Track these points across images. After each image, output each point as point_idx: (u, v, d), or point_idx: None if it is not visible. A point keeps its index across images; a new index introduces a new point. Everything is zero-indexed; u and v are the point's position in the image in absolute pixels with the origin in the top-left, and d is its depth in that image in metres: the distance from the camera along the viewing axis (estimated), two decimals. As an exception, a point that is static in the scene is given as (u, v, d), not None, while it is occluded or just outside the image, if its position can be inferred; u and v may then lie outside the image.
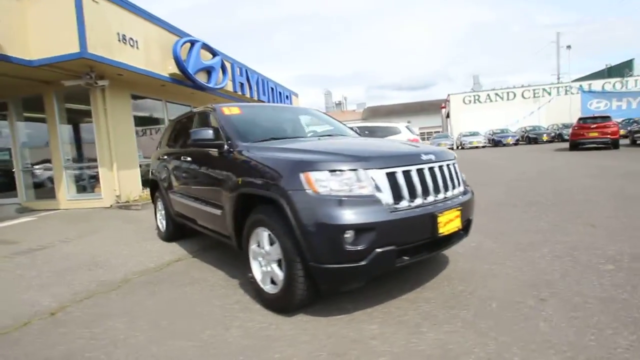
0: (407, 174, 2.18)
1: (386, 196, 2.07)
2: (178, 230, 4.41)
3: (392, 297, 2.42)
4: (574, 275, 2.57)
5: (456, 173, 2.58)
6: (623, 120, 20.33)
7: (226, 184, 2.73)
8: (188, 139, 3.63)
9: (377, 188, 2.06)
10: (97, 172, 7.48)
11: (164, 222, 4.50)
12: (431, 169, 2.32)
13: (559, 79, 34.85)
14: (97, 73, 6.78)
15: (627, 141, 15.97)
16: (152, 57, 7.65)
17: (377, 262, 1.99)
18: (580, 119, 15.43)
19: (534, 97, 31.39)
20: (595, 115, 15.89)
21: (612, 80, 29.11)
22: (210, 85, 9.51)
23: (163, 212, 4.54)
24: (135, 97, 8.33)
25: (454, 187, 2.48)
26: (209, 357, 1.91)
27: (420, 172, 2.25)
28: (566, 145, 16.74)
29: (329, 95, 65.11)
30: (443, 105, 38.60)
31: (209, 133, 2.91)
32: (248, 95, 12.32)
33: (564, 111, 28.92)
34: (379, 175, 2.09)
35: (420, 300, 2.35)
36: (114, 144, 7.40)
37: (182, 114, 4.47)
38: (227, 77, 10.46)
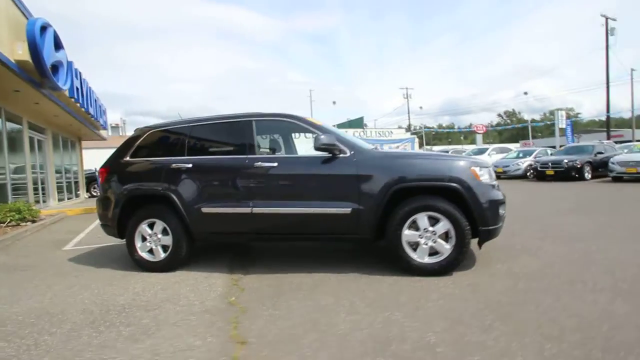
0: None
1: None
2: (190, 253, 3.76)
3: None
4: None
5: None
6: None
7: (366, 183, 3.18)
8: (246, 146, 3.55)
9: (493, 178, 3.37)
10: None
11: (169, 248, 3.66)
12: None
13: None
14: None
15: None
16: None
17: (503, 222, 3.26)
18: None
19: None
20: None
21: (358, 130, 41.19)
22: (60, 84, 7.24)
23: (160, 235, 3.69)
24: None
25: None
26: (480, 304, 2.54)
27: None
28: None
29: (100, 115, 54.68)
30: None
31: (334, 139, 3.24)
32: (79, 103, 9.77)
33: (332, 149, 38.07)
34: (491, 171, 3.39)
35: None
36: None
37: (190, 119, 3.93)
38: (70, 76, 8.16)
